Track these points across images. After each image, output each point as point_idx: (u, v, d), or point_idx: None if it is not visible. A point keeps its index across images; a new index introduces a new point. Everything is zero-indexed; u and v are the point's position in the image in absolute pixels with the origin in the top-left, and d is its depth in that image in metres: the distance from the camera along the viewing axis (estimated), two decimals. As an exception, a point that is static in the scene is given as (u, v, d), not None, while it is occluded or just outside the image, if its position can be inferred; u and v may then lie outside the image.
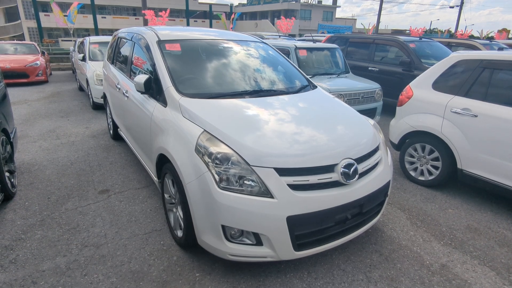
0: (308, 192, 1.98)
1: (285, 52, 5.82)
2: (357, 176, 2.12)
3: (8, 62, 9.25)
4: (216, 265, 2.28)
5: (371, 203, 2.30)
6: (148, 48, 3.06)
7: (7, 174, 3.00)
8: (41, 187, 3.35)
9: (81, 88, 8.86)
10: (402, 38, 6.92)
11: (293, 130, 2.21)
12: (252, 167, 1.94)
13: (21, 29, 34.41)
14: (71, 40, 19.38)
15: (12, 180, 3.17)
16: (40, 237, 2.54)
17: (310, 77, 3.86)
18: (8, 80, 8.99)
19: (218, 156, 1.99)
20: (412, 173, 3.80)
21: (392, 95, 6.43)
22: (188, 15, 29.67)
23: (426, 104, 3.60)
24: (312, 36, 9.50)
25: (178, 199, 2.30)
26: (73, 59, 10.75)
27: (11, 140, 3.34)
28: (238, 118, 2.29)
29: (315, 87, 3.21)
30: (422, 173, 3.71)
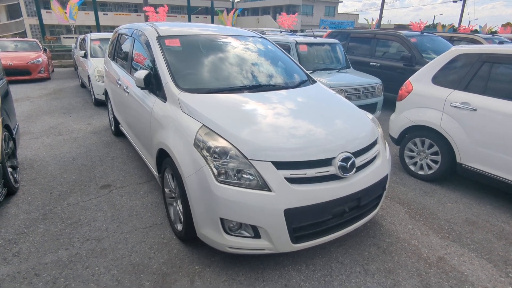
0: (305, 186, 2.00)
1: (286, 47, 5.81)
2: (354, 170, 2.14)
3: (10, 59, 9.29)
4: (215, 257, 2.31)
5: (369, 196, 2.32)
6: (148, 44, 3.07)
7: (10, 169, 3.04)
8: (44, 182, 3.40)
9: (83, 85, 8.89)
10: (403, 32, 6.88)
11: (291, 124, 2.23)
12: (250, 160, 1.96)
13: (23, 26, 34.46)
14: (73, 37, 19.40)
15: (15, 175, 3.22)
16: (42, 231, 2.58)
17: (310, 72, 3.87)
18: (10, 77, 9.03)
19: (217, 150, 2.01)
20: (412, 168, 3.81)
21: (393, 90, 6.40)
22: (190, 11, 29.54)
23: (425, 99, 3.60)
24: (313, 32, 9.46)
25: (178, 193, 2.33)
26: (74, 56, 10.78)
27: (14, 136, 3.38)
28: (236, 112, 2.31)
29: (314, 82, 3.22)
30: (421, 168, 3.71)
